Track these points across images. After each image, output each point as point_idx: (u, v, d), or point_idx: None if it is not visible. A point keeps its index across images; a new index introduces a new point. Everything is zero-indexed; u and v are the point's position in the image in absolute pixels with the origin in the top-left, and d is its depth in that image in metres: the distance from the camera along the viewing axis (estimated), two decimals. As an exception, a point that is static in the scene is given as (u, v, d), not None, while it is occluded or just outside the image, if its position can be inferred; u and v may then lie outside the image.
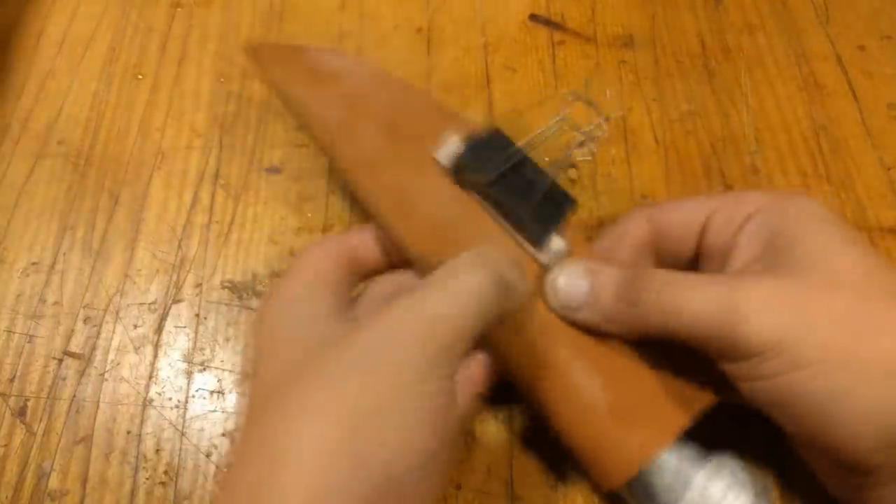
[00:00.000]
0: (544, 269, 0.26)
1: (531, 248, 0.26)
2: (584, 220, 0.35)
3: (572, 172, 0.37)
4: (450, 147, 0.27)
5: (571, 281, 0.25)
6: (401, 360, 0.19)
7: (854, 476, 0.22)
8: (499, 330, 0.25)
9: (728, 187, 0.36)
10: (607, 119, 0.29)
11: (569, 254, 0.26)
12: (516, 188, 0.26)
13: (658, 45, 0.42)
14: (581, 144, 0.29)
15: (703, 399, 0.24)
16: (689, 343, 0.23)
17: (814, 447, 0.23)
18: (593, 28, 0.42)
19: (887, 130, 0.38)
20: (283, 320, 0.22)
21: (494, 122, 0.27)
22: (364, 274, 0.26)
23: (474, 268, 0.21)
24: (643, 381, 0.25)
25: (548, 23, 0.43)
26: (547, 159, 0.28)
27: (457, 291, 0.21)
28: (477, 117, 0.39)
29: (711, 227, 0.26)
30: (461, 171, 0.27)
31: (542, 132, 0.29)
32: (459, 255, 0.22)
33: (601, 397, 0.24)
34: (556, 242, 0.26)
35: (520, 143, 0.28)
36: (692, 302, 0.22)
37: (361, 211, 0.36)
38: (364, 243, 0.26)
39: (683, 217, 0.27)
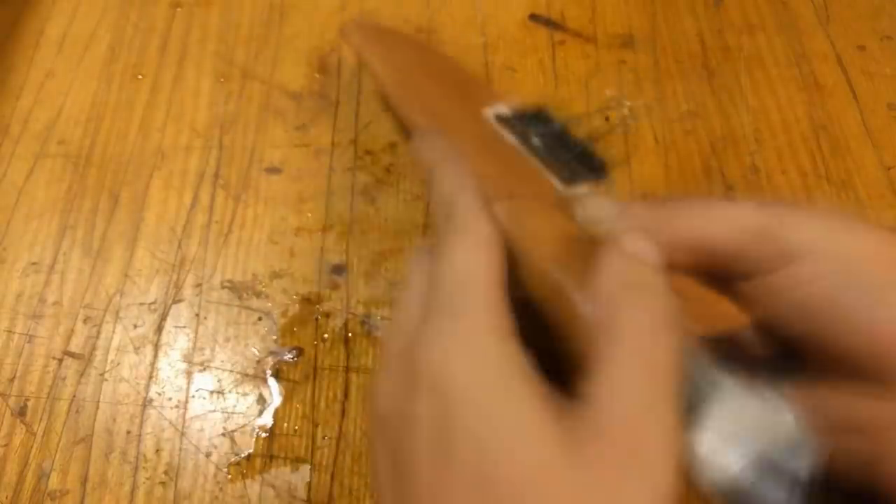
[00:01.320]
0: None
1: (560, 186, 0.27)
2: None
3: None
4: (498, 109, 0.30)
5: (604, 200, 0.22)
6: None
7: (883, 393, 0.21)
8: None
9: (728, 187, 0.36)
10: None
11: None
12: (555, 145, 0.29)
13: (658, 45, 0.42)
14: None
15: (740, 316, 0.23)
16: (721, 258, 0.21)
17: (847, 358, 0.22)
18: (593, 28, 0.42)
19: (887, 130, 0.38)
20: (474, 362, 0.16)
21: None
22: None
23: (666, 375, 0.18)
24: None
25: (548, 23, 0.43)
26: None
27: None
28: (477, 117, 0.39)
29: None
30: (509, 123, 0.30)
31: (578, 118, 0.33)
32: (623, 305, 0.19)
33: None
34: (585, 187, 0.27)
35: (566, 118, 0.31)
36: (735, 209, 0.21)
37: (363, 211, 0.36)
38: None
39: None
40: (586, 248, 0.22)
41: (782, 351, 0.24)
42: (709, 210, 0.21)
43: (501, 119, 0.30)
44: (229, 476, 0.29)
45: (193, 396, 0.31)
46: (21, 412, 0.31)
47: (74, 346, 0.33)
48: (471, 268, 0.19)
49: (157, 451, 0.30)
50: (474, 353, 0.17)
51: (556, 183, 0.27)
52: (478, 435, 0.16)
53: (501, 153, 0.29)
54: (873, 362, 0.20)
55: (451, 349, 0.17)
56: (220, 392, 0.31)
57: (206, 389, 0.31)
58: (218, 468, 0.30)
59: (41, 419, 0.31)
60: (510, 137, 0.29)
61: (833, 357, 0.21)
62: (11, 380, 0.32)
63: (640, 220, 0.22)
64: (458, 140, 0.27)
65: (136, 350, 0.32)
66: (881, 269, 0.20)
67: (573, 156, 0.28)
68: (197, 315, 0.33)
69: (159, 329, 0.33)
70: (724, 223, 0.21)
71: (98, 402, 0.31)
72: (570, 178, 0.27)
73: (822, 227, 0.20)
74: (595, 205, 0.23)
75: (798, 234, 0.20)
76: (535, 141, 0.29)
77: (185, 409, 0.31)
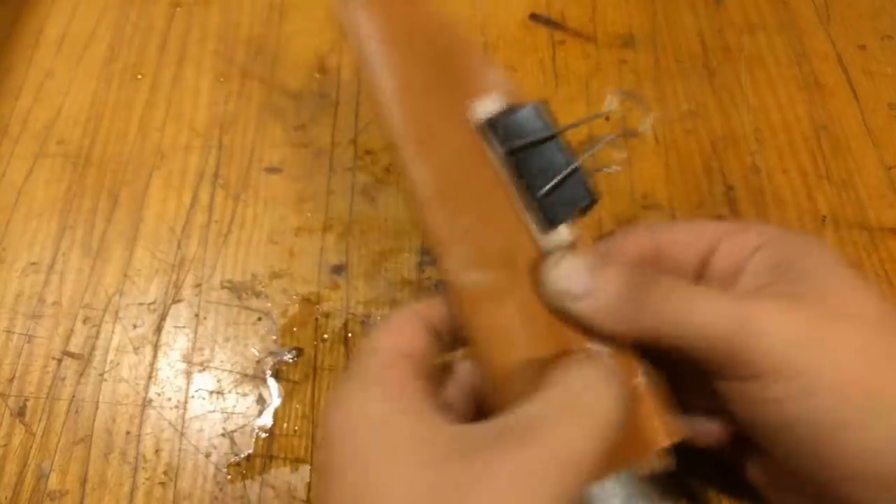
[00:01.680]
0: (543, 256, 0.25)
1: (535, 230, 0.25)
2: (584, 220, 0.35)
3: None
4: (488, 103, 0.27)
5: (573, 270, 0.23)
6: None
7: None
8: (477, 312, 0.24)
9: (728, 187, 0.36)
10: (635, 133, 0.28)
11: (572, 248, 0.25)
12: (540, 164, 0.26)
13: (658, 45, 0.42)
14: (613, 142, 0.28)
15: (664, 438, 0.23)
16: (692, 356, 0.22)
17: (806, 480, 0.22)
18: (594, 28, 0.42)
19: (888, 130, 0.38)
20: (365, 421, 0.19)
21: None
22: (442, 345, 0.24)
23: (600, 396, 0.19)
24: None
25: (548, 22, 0.43)
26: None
27: (585, 428, 0.18)
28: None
29: (718, 254, 0.25)
30: (491, 131, 0.26)
31: (582, 120, 0.27)
32: (572, 365, 0.20)
33: None
34: (563, 232, 0.25)
35: (561, 126, 0.26)
36: (704, 309, 0.21)
37: (363, 211, 0.36)
38: (439, 313, 0.23)
39: (689, 239, 0.26)
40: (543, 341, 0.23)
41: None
42: (684, 299, 0.22)
43: (489, 123, 0.27)
44: (229, 476, 0.29)
45: (193, 397, 0.31)
46: (20, 412, 0.31)
47: (74, 347, 0.33)
48: (374, 344, 0.21)
49: (157, 451, 0.30)
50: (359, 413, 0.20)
51: (534, 226, 0.25)
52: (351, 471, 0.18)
53: (478, 182, 0.26)
54: (838, 488, 0.20)
55: (341, 408, 0.20)
56: (220, 392, 0.31)
57: (205, 390, 0.31)
58: (217, 468, 0.30)
59: (40, 419, 0.31)
60: (495, 148, 0.26)
61: (798, 469, 0.21)
62: (11, 380, 0.32)
63: (609, 307, 0.22)
64: (433, 163, 0.26)
65: (136, 350, 0.32)
66: (852, 401, 0.20)
67: (561, 180, 0.25)
68: (196, 315, 0.33)
69: (159, 329, 0.33)
70: (696, 324, 0.21)
71: (97, 402, 0.31)
72: (551, 217, 0.25)
73: (791, 342, 0.20)
74: (565, 276, 0.23)
75: (766, 347, 0.20)
76: (521, 157, 0.26)
77: (185, 409, 0.31)
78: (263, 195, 0.37)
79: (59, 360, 0.32)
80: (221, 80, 0.41)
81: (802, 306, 0.21)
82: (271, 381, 0.32)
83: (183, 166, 0.38)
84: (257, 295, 0.34)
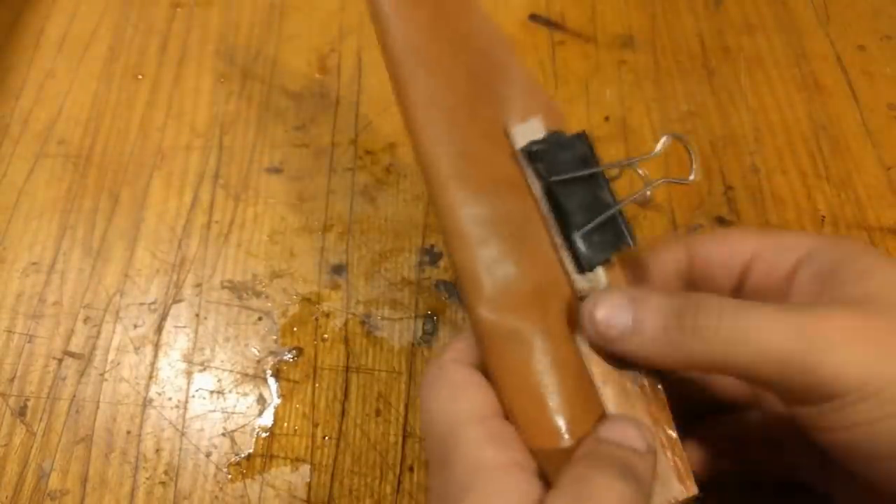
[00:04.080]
0: (577, 296, 0.23)
1: (572, 270, 0.24)
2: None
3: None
4: (530, 128, 0.25)
5: (613, 311, 0.22)
6: None
7: None
8: (506, 357, 0.22)
9: (728, 187, 0.36)
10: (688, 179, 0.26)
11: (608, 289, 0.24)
12: (582, 200, 0.24)
13: (658, 46, 0.42)
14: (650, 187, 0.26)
15: (683, 491, 0.22)
16: (752, 381, 0.20)
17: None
18: (593, 28, 0.42)
19: (887, 130, 0.38)
20: None
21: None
22: None
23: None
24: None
25: (548, 23, 0.43)
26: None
27: None
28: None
29: (757, 267, 0.23)
30: (533, 160, 0.24)
31: (625, 162, 0.26)
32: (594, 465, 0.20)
33: None
34: (600, 275, 0.24)
35: (604, 162, 0.25)
36: (761, 330, 0.19)
37: (363, 211, 0.36)
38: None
39: (725, 251, 0.24)
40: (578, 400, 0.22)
41: None
42: (738, 320, 0.20)
43: (531, 152, 0.24)
44: (229, 476, 0.29)
45: (193, 396, 0.31)
46: (21, 412, 0.31)
47: (74, 346, 0.33)
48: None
49: (157, 451, 0.30)
50: None
51: (570, 265, 0.24)
52: None
53: (513, 212, 0.24)
54: None
55: None
56: (220, 392, 0.31)
57: (206, 389, 0.31)
58: (218, 468, 0.30)
59: (41, 419, 0.31)
60: (534, 179, 0.24)
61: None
62: (11, 380, 0.32)
63: (655, 341, 0.21)
64: (469, 190, 0.23)
65: (136, 350, 0.32)
66: None
67: (600, 219, 0.24)
68: (197, 315, 0.33)
69: (159, 329, 0.33)
70: (753, 347, 0.19)
71: (98, 402, 0.31)
72: (589, 258, 0.23)
73: (870, 355, 0.18)
74: (607, 314, 0.22)
75: (834, 364, 0.18)
76: (563, 192, 0.24)
77: (185, 409, 0.31)
78: (264, 195, 0.37)
79: (60, 360, 0.32)
80: (222, 80, 0.41)
81: (868, 314, 0.19)
82: (271, 381, 0.32)
83: (183, 166, 0.38)
84: (257, 295, 0.34)
